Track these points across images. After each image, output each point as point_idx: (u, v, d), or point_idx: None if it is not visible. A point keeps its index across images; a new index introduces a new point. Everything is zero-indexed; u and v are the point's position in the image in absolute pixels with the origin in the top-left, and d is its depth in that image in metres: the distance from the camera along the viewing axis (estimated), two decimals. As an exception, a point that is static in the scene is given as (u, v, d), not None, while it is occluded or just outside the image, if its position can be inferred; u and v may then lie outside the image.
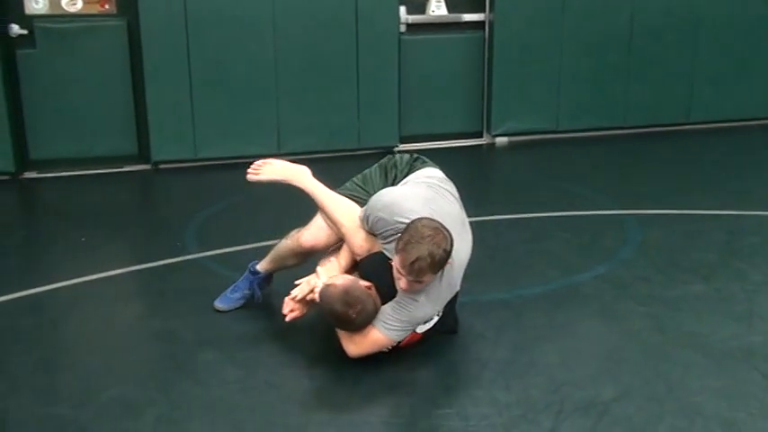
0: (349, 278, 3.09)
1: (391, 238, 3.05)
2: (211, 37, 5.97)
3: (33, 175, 6.02)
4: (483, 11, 6.63)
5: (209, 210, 5.21)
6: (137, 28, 5.87)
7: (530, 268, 4.12)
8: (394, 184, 3.40)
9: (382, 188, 3.36)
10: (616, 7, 6.71)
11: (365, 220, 3.18)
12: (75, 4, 5.89)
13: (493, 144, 6.79)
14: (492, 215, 4.75)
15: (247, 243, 4.50)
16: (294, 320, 3.31)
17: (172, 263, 4.30)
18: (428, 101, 6.61)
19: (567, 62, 6.72)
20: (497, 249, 4.31)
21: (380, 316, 3.04)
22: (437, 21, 6.59)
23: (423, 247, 2.86)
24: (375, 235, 3.17)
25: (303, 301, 3.30)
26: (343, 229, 3.27)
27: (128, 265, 4.29)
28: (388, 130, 6.47)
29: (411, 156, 3.52)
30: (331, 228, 3.36)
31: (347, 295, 2.97)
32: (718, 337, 3.37)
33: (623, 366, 3.15)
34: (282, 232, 4.62)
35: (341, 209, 3.31)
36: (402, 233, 2.94)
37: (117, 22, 5.92)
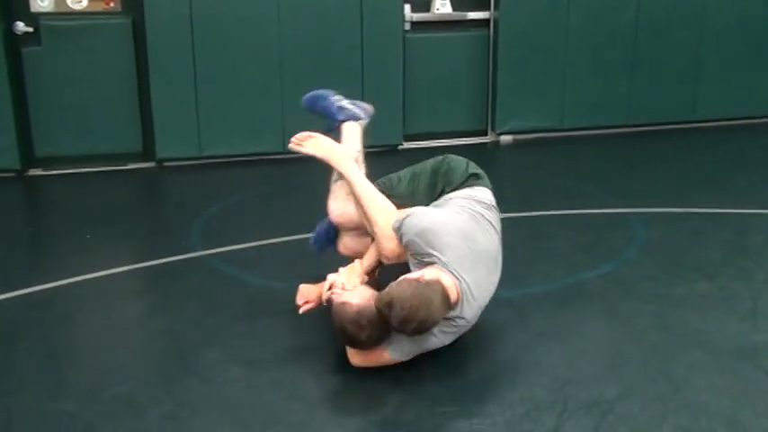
0: (366, 296, 2.98)
1: (421, 260, 2.98)
2: (216, 35, 5.97)
3: (38, 172, 6.04)
4: (488, 9, 6.62)
5: (214, 207, 5.21)
6: (142, 26, 5.88)
7: (534, 267, 4.12)
8: (441, 195, 3.28)
9: (426, 198, 3.25)
10: (621, 5, 6.69)
11: (398, 232, 3.06)
12: (80, 1, 5.89)
13: (497, 142, 6.79)
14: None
15: (252, 241, 4.51)
16: (306, 312, 3.31)
17: (176, 261, 4.31)
18: (433, 99, 6.61)
19: (571, 60, 6.71)
20: (502, 247, 4.30)
21: (393, 340, 2.98)
22: (442, 19, 6.58)
23: (413, 325, 2.80)
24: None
25: (318, 294, 3.28)
26: (376, 229, 3.15)
27: (132, 263, 4.30)
28: (393, 129, 6.47)
29: (466, 167, 3.36)
30: (362, 220, 3.24)
31: (360, 317, 2.91)
32: (722, 335, 3.37)
33: (627, 365, 3.15)
34: (287, 230, 4.66)
35: (377, 206, 3.17)
36: (392, 307, 2.79)
37: (122, 19, 5.93)
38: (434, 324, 2.87)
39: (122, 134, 6.07)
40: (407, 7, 6.42)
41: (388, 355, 3.03)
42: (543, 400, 2.91)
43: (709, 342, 3.31)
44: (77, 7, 5.89)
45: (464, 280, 2.93)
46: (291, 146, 3.42)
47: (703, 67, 6.97)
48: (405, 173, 3.41)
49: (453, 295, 2.89)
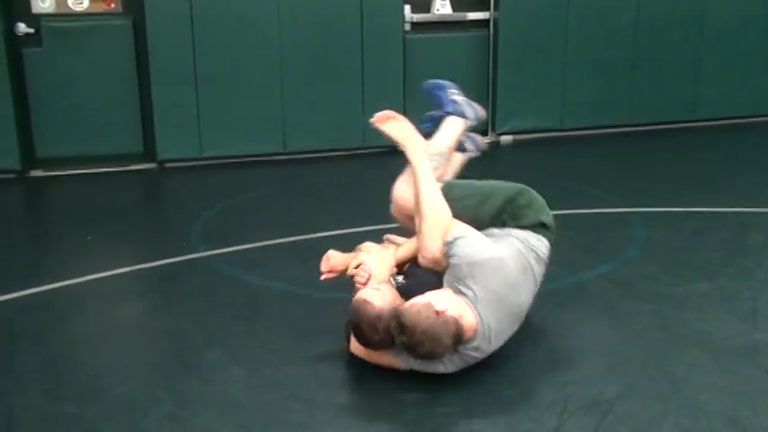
0: (388, 301, 2.93)
1: (456, 284, 2.94)
2: (217, 35, 5.99)
3: (40, 173, 6.05)
4: (488, 9, 6.63)
5: (215, 208, 5.22)
6: (143, 27, 5.89)
7: (534, 266, 4.11)
8: (502, 225, 3.19)
9: (486, 220, 3.19)
10: (620, 5, 6.70)
11: (449, 247, 3.00)
12: (81, 3, 5.91)
13: (498, 142, 6.79)
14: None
15: (253, 242, 4.51)
16: (327, 280, 3.31)
17: (177, 261, 4.32)
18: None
19: (571, 60, 6.71)
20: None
21: (405, 353, 2.93)
22: (442, 19, 6.59)
23: (417, 353, 2.82)
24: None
25: (345, 266, 3.27)
26: (425, 227, 3.10)
27: (133, 264, 4.31)
28: (393, 129, 6.46)
29: (540, 213, 3.24)
30: (414, 211, 3.18)
31: (378, 321, 2.88)
32: (722, 335, 3.37)
33: (628, 365, 3.15)
34: (288, 231, 4.66)
35: (434, 207, 3.11)
36: (403, 330, 2.77)
37: (123, 20, 5.95)
38: (439, 357, 2.87)
39: (123, 135, 6.08)
40: (407, 8, 6.43)
41: (393, 359, 3.03)
42: (543, 399, 2.91)
43: (709, 342, 3.31)
44: (78, 8, 5.91)
45: (488, 325, 2.91)
46: (373, 121, 3.36)
47: (703, 66, 6.97)
48: (475, 187, 3.33)
49: (467, 335, 2.86)
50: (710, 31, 6.91)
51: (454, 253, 2.98)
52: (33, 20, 5.82)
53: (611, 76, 6.83)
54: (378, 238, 3.51)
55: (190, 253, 4.40)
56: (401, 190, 3.30)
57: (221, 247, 4.47)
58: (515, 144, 6.76)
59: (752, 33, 6.99)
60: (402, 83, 6.41)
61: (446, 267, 3.04)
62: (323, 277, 3.32)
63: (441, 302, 2.82)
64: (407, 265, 3.27)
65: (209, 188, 5.84)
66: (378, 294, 2.96)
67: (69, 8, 5.89)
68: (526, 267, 3.07)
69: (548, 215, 3.27)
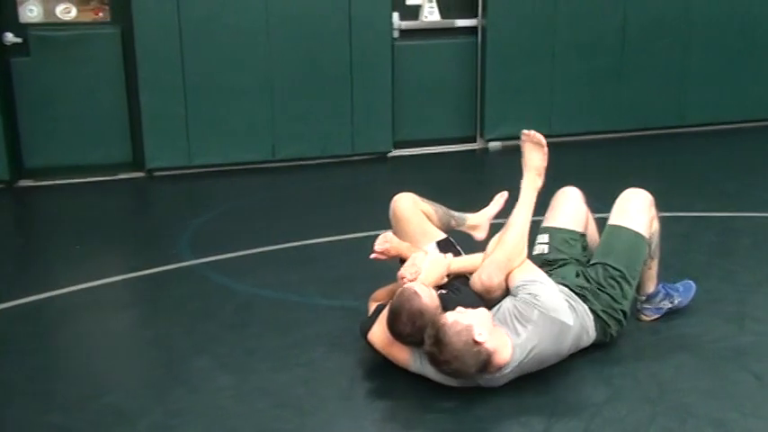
0: (435, 303, 2.92)
1: (510, 319, 2.92)
2: (205, 44, 5.99)
3: (28, 183, 6.03)
4: (475, 16, 6.66)
5: (204, 217, 5.22)
6: (131, 36, 5.89)
7: (523, 272, 4.12)
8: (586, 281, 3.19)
9: (570, 279, 3.20)
10: (608, 11, 6.74)
11: (523, 284, 2.97)
12: (69, 12, 5.91)
13: (486, 149, 6.82)
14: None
15: (242, 250, 4.52)
16: (377, 259, 3.27)
17: (166, 270, 4.31)
18: (422, 106, 6.63)
19: (559, 66, 6.75)
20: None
21: (425, 359, 2.90)
22: (430, 26, 6.62)
23: (439, 368, 2.83)
24: (508, 288, 3.04)
25: (395, 255, 3.25)
26: (498, 253, 3.06)
27: (122, 273, 4.31)
28: (382, 136, 6.49)
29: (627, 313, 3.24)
30: (500, 238, 3.13)
31: (418, 317, 2.86)
32: (709, 337, 3.39)
33: (615, 368, 3.17)
34: (277, 239, 4.67)
35: (520, 239, 3.08)
36: (435, 343, 2.77)
37: (111, 30, 5.95)
38: (458, 378, 2.88)
39: (112, 144, 6.07)
40: (396, 15, 6.45)
41: (408, 359, 3.00)
42: (532, 403, 2.92)
43: (695, 345, 3.33)
44: (66, 18, 5.91)
45: (514, 370, 2.90)
46: (526, 133, 3.40)
47: (690, 73, 7.02)
48: (576, 259, 3.31)
49: (492, 369, 2.86)
50: (697, 37, 6.95)
51: (534, 293, 2.93)
52: (21, 29, 5.81)
53: (599, 83, 6.87)
54: (368, 244, 3.49)
55: (179, 261, 4.40)
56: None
57: (210, 256, 4.47)
58: (504, 150, 6.78)
59: (738, 40, 7.04)
60: (391, 90, 6.43)
61: (494, 299, 3.03)
62: (373, 255, 3.24)
63: (482, 331, 2.79)
64: (453, 277, 3.22)
65: (198, 196, 5.84)
66: (428, 292, 2.95)
67: (57, 17, 5.89)
68: (573, 343, 3.06)
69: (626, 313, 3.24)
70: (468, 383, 2.94)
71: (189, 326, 3.64)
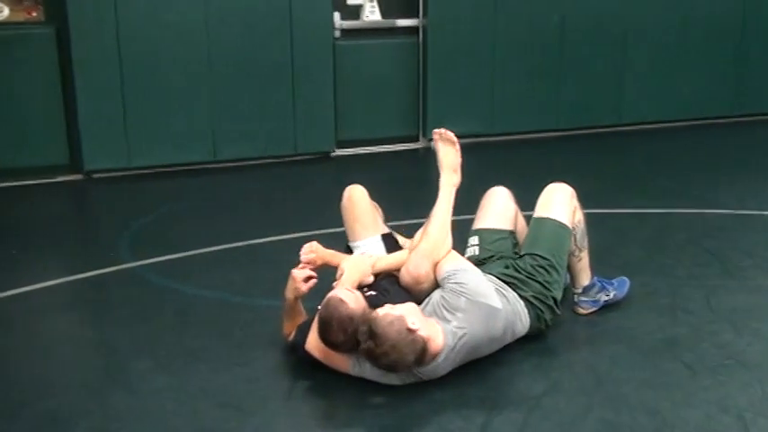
0: (362, 306, 2.93)
1: (440, 309, 2.99)
2: (143, 44, 5.91)
3: (-39, 187, 5.88)
4: (416, 16, 6.71)
5: (144, 219, 5.15)
6: (66, 35, 5.77)
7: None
8: (513, 278, 3.26)
9: (498, 270, 3.27)
10: (547, 11, 6.85)
11: (448, 275, 3.04)
12: (1, 11, 5.77)
13: (428, 147, 6.86)
14: (423, 219, 4.79)
15: (184, 251, 4.48)
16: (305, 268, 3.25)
17: (106, 273, 4.26)
18: (364, 106, 6.65)
19: (499, 66, 6.84)
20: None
21: (360, 357, 2.93)
22: (371, 26, 6.64)
23: (379, 363, 2.84)
24: (437, 280, 3.10)
25: (322, 264, 3.27)
26: (424, 243, 3.15)
27: (60, 276, 4.23)
28: (325, 136, 6.49)
29: (556, 305, 3.32)
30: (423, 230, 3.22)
31: (348, 324, 2.87)
32: (643, 329, 3.48)
33: (553, 361, 3.24)
34: (218, 240, 4.63)
35: (443, 230, 3.18)
36: (370, 338, 2.79)
37: (45, 29, 5.82)
38: (397, 371, 2.90)
39: (48, 146, 5.94)
40: (337, 15, 6.46)
41: (348, 366, 3.01)
42: (473, 397, 2.97)
43: (630, 336, 3.42)
44: (-2, 17, 5.77)
45: (448, 357, 2.94)
46: (435, 135, 3.39)
47: (627, 72, 7.17)
48: (507, 260, 3.36)
49: (428, 358, 2.89)
50: (634, 37, 7.10)
51: (459, 281, 3.01)
52: (-49, 29, 5.67)
53: (539, 82, 6.97)
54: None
55: (119, 264, 4.34)
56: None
57: (151, 257, 4.42)
58: (446, 149, 6.83)
59: (674, 40, 7.21)
60: (333, 89, 6.43)
61: (423, 291, 3.10)
62: (300, 266, 3.24)
63: (414, 319, 2.83)
64: (380, 278, 3.25)
65: (138, 198, 5.75)
66: (353, 297, 2.97)
67: (-11, 17, 5.76)
68: (507, 330, 3.12)
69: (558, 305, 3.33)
70: (408, 379, 2.97)
71: (128, 328, 3.60)
